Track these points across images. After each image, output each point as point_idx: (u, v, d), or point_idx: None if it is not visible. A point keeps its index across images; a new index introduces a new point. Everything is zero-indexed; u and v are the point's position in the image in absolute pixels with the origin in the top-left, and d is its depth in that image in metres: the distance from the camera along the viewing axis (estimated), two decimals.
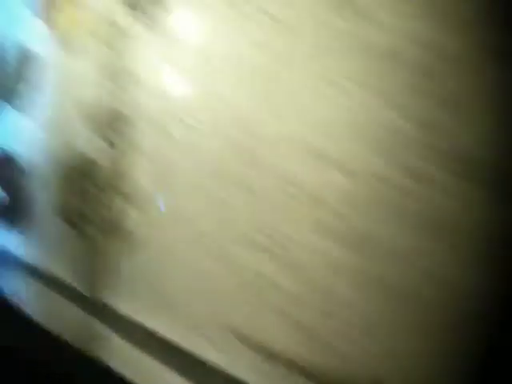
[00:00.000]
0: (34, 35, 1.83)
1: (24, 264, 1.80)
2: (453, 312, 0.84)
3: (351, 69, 0.96)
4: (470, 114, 0.84)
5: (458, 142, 0.84)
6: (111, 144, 1.39)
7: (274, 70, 1.10)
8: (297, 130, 1.04)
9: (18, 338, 1.53)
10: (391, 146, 0.90)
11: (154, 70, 1.36)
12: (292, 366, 1.03)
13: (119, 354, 1.36)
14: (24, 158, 1.85)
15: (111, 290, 1.43)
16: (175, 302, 1.24)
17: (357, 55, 0.95)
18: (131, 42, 1.42)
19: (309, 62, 1.04)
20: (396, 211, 0.90)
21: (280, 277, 1.04)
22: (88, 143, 1.58)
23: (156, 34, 1.35)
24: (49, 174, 1.71)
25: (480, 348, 0.84)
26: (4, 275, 1.78)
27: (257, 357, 1.08)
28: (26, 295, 1.71)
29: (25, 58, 1.81)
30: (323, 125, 1.00)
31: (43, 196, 1.76)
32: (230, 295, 1.13)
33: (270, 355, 1.05)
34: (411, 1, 0.89)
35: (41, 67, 1.78)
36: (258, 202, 1.10)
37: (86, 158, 1.58)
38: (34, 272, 1.74)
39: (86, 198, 1.52)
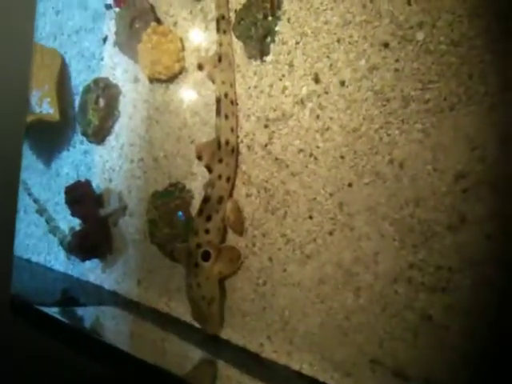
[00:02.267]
0: (121, 71, 1.85)
1: (116, 296, 1.78)
2: None
3: None
4: None
5: None
6: (215, 173, 1.37)
7: (392, 94, 1.10)
8: None
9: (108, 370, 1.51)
10: None
11: (264, 98, 1.35)
12: None
13: None
14: (111, 190, 1.84)
15: (223, 321, 1.41)
16: (312, 339, 1.21)
17: None
18: (235, 71, 1.42)
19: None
20: None
21: (432, 310, 1.02)
22: (187, 173, 1.58)
23: (266, 64, 1.35)
24: (142, 204, 1.71)
25: None
26: (95, 308, 1.77)
27: None
28: (118, 328, 1.69)
29: (113, 94, 1.83)
30: None
31: (135, 226, 1.75)
32: (375, 329, 1.10)
33: None
34: None
35: (129, 101, 1.80)
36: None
37: (184, 187, 1.58)
38: (127, 303, 1.72)
39: (187, 228, 1.51)
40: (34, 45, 2.11)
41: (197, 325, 1.42)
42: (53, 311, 1.64)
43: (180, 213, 1.57)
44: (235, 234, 1.39)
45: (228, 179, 1.38)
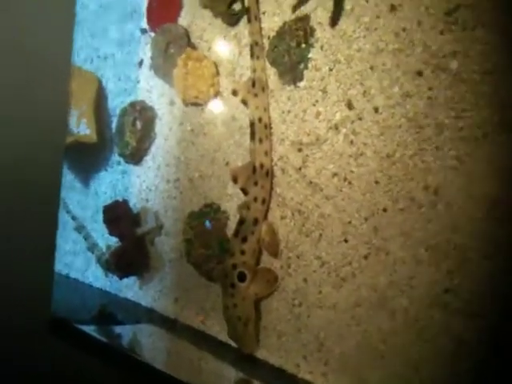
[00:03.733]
0: (156, 94, 1.90)
1: (153, 313, 1.83)
2: None
3: None
4: None
5: None
6: (250, 195, 1.40)
7: (426, 121, 1.12)
8: None
9: None
10: None
11: (298, 124, 1.38)
12: None
13: None
14: (148, 209, 1.89)
15: (258, 341, 1.44)
16: (347, 361, 1.24)
17: None
18: (269, 95, 1.46)
19: None
20: None
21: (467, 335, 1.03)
22: (221, 194, 1.62)
23: (300, 89, 1.38)
24: (178, 223, 1.75)
25: None
26: (133, 326, 1.81)
27: None
28: (155, 346, 1.73)
29: (149, 116, 1.88)
30: None
31: (171, 245, 1.80)
32: (410, 353, 1.12)
33: None
34: None
35: (165, 123, 1.85)
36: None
37: (220, 208, 1.62)
38: (164, 321, 1.77)
39: (222, 249, 1.54)
40: (72, 68, 2.18)
41: (233, 344, 1.45)
42: (91, 329, 1.68)
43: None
44: (270, 256, 1.41)
45: (263, 201, 1.41)
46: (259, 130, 1.42)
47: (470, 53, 1.06)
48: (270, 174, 1.42)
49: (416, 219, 1.12)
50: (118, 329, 1.77)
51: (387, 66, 1.19)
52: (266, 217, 1.44)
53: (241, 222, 1.40)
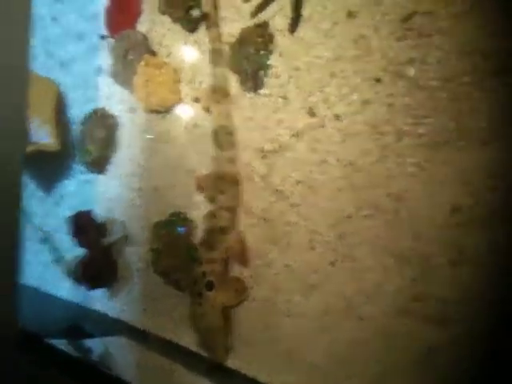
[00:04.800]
0: (117, 101, 1.87)
1: (122, 324, 1.81)
2: None
3: None
4: None
5: None
6: (216, 204, 1.39)
7: (386, 128, 1.13)
8: None
9: None
10: None
11: (261, 131, 1.38)
12: None
13: None
14: (112, 219, 1.87)
15: (229, 350, 1.43)
16: (317, 370, 1.24)
17: None
18: (233, 103, 1.45)
19: None
20: None
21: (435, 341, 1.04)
22: (187, 202, 1.60)
23: (261, 96, 1.38)
24: (144, 233, 1.73)
25: None
26: (103, 339, 1.79)
27: None
28: (126, 359, 1.71)
29: (110, 124, 1.85)
30: None
31: (138, 255, 1.77)
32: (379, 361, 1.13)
33: None
34: None
35: (127, 131, 1.82)
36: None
37: (186, 217, 1.60)
38: (134, 332, 1.75)
39: (190, 257, 1.53)
40: (30, 75, 2.12)
41: (204, 353, 1.44)
42: (60, 343, 1.65)
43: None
44: (239, 265, 1.40)
45: (230, 209, 1.39)
46: (223, 137, 1.41)
47: (427, 59, 1.06)
48: (236, 181, 1.40)
49: (380, 226, 1.13)
50: (87, 342, 1.74)
51: (346, 73, 1.19)
52: (234, 225, 1.41)
53: (208, 230, 1.39)
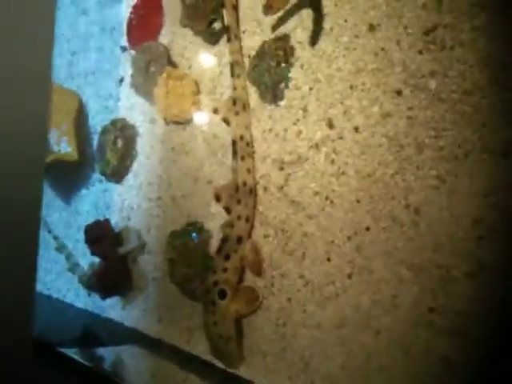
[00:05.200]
0: (137, 112, 1.89)
1: (137, 333, 1.81)
2: None
3: None
4: None
5: None
6: (233, 214, 1.39)
7: (406, 140, 1.13)
8: None
9: None
10: None
11: (280, 143, 1.38)
12: None
13: None
14: (130, 228, 1.88)
15: (243, 361, 1.42)
16: (333, 381, 1.23)
17: None
18: (250, 114, 1.46)
19: None
20: None
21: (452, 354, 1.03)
22: (204, 212, 1.61)
23: (281, 108, 1.39)
24: (161, 242, 1.74)
25: None
26: (116, 348, 1.79)
27: None
28: (139, 368, 1.71)
29: (130, 134, 1.87)
30: None
31: (154, 264, 1.78)
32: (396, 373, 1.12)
33: None
34: None
35: (146, 141, 1.84)
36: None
37: (203, 227, 1.61)
38: (148, 341, 1.75)
39: (205, 267, 1.53)
40: (52, 86, 2.16)
41: (218, 363, 1.44)
42: (74, 352, 1.66)
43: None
44: (254, 275, 1.40)
45: (247, 219, 1.41)
46: (241, 148, 1.42)
47: (448, 72, 1.07)
48: (253, 191, 1.41)
49: (398, 238, 1.13)
50: (101, 351, 1.75)
51: (367, 86, 1.20)
52: (250, 235, 1.42)
53: (224, 239, 1.39)
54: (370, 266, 1.18)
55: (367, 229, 1.18)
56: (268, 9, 1.34)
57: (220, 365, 1.45)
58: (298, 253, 1.33)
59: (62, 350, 1.67)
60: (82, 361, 1.59)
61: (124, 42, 1.96)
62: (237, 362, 1.41)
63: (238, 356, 1.41)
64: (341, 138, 1.24)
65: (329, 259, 1.25)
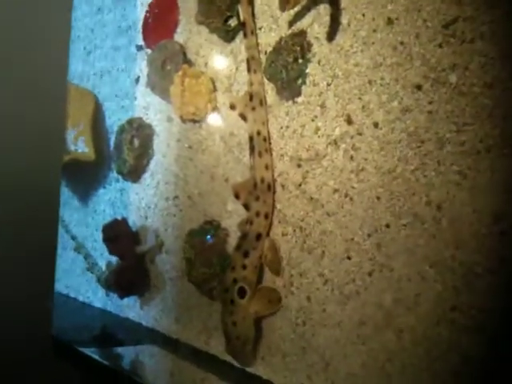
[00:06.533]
0: (154, 110, 1.89)
1: (155, 333, 1.81)
2: None
3: None
4: None
5: None
6: (252, 211, 1.38)
7: (427, 136, 1.11)
8: None
9: None
10: None
11: (297, 139, 1.37)
12: None
13: None
14: (147, 227, 1.88)
15: (261, 360, 1.41)
16: (354, 381, 1.22)
17: None
18: (267, 111, 1.44)
19: None
20: None
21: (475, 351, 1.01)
22: (221, 211, 1.60)
23: (298, 105, 1.37)
24: (178, 241, 1.73)
25: None
26: (135, 347, 1.79)
27: None
28: (157, 367, 1.71)
29: (147, 133, 1.87)
30: None
31: (172, 264, 1.77)
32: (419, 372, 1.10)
33: None
34: None
35: (163, 140, 1.84)
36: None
37: (220, 225, 1.60)
38: (166, 341, 1.74)
39: (224, 266, 1.52)
40: (68, 85, 2.16)
41: (236, 363, 1.42)
42: (93, 351, 1.66)
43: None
44: (272, 273, 1.39)
45: (266, 216, 1.40)
46: (258, 143, 1.41)
47: (469, 66, 1.05)
48: (271, 187, 1.40)
49: (420, 235, 1.11)
50: (120, 350, 1.75)
51: (386, 81, 1.18)
52: (268, 233, 1.40)
53: (243, 236, 1.39)
54: (390, 264, 1.16)
55: (387, 226, 1.17)
56: (284, 4, 1.32)
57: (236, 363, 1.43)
58: (317, 251, 1.31)
59: (81, 349, 1.67)
60: (100, 360, 1.58)
61: (140, 40, 1.95)
62: (250, 362, 1.40)
63: (252, 357, 1.39)
64: (360, 134, 1.22)
65: (349, 257, 1.24)
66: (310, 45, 1.34)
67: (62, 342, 1.71)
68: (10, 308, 1.51)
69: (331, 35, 1.29)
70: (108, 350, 1.72)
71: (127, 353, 1.73)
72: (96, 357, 1.61)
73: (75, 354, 1.66)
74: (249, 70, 1.44)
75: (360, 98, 1.23)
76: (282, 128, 1.41)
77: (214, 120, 1.64)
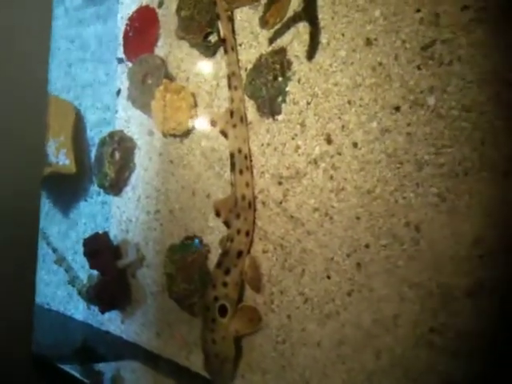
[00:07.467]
0: (135, 124, 1.88)
1: (136, 348, 1.79)
2: None
3: None
4: None
5: None
6: (233, 228, 1.38)
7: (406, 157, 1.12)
8: None
9: None
10: None
11: (278, 157, 1.37)
12: None
13: None
14: (128, 241, 1.86)
15: (241, 377, 1.41)
16: None
17: None
18: (248, 128, 1.44)
19: None
20: None
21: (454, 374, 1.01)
22: (203, 226, 1.59)
23: (279, 122, 1.37)
24: (159, 256, 1.72)
25: None
26: (116, 363, 1.77)
27: None
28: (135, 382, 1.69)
29: (128, 147, 1.85)
30: None
31: (153, 278, 1.76)
32: None
33: None
34: None
35: (144, 154, 1.83)
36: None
37: (201, 241, 1.59)
38: (147, 356, 1.73)
39: (204, 283, 1.52)
40: (49, 97, 2.14)
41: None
42: (73, 368, 1.64)
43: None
44: (253, 291, 1.39)
45: (247, 233, 1.40)
46: (239, 161, 1.40)
47: (447, 88, 1.05)
48: (252, 205, 1.39)
49: (399, 256, 1.11)
50: (100, 366, 1.73)
51: (365, 101, 1.18)
52: (249, 250, 1.40)
53: (224, 253, 1.38)
54: (370, 284, 1.16)
55: (367, 246, 1.17)
56: (264, 24, 1.32)
57: None
58: (298, 269, 1.31)
59: (60, 364, 1.66)
60: (81, 378, 1.57)
61: (120, 53, 1.94)
62: (227, 381, 1.39)
63: (230, 377, 1.38)
64: (339, 153, 1.22)
65: (328, 276, 1.24)
66: (289, 63, 1.34)
67: (41, 358, 1.68)
68: None
69: (311, 54, 1.29)
70: (88, 366, 1.69)
71: (108, 368, 1.71)
72: (76, 374, 1.58)
73: (55, 371, 1.63)
74: (229, 86, 1.44)
75: (340, 118, 1.23)
76: (262, 145, 1.41)
77: (195, 135, 1.63)
